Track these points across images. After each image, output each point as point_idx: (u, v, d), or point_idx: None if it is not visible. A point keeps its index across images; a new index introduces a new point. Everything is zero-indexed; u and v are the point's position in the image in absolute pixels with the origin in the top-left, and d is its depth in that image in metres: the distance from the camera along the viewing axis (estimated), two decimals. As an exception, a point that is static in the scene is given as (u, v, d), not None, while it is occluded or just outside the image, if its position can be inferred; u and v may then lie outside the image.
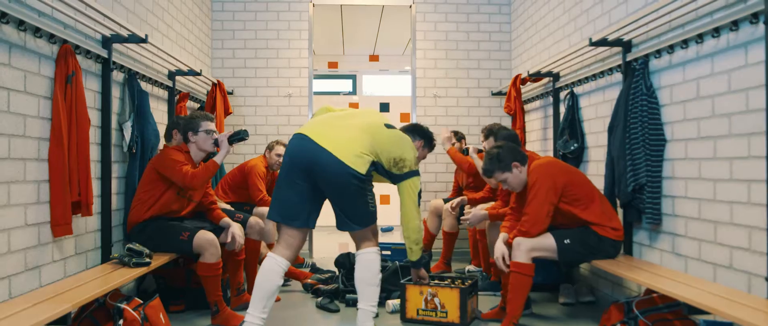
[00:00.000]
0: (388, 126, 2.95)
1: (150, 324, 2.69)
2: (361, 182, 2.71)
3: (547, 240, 2.99)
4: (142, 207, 3.22)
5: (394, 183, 2.93)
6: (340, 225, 2.82)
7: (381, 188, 8.34)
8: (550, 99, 4.46)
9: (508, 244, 3.08)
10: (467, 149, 4.51)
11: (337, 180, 2.69)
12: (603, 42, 3.34)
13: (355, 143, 2.74)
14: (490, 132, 4.05)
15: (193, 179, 3.19)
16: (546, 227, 3.00)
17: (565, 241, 2.99)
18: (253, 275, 3.76)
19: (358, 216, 2.79)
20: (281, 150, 4.54)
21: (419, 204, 2.94)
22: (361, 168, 2.70)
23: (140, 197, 3.24)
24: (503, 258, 3.08)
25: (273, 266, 2.75)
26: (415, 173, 2.91)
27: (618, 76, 3.47)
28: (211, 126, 3.37)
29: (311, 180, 2.74)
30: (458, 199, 4.49)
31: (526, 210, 3.01)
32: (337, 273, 4.11)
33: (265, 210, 4.32)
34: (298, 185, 2.75)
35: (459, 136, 4.88)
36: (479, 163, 4.29)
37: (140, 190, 3.26)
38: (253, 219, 3.77)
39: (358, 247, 2.90)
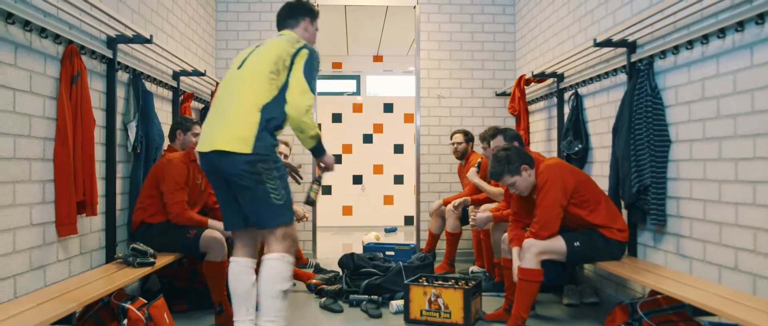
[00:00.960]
0: (239, 66, 2.62)
1: (154, 323, 2.69)
2: (250, 166, 2.40)
3: (558, 243, 2.97)
4: (145, 212, 3.23)
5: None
6: (250, 223, 2.59)
7: (383, 188, 8.37)
8: (555, 99, 4.45)
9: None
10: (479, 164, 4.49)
11: (230, 173, 2.45)
12: (607, 43, 3.33)
13: (233, 126, 2.45)
14: (497, 131, 4.01)
15: (178, 216, 3.21)
16: (557, 230, 2.98)
17: (575, 244, 2.98)
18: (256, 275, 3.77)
19: (259, 213, 2.48)
20: (282, 148, 4.56)
21: (313, 78, 2.54)
22: (245, 146, 2.40)
23: (144, 202, 3.25)
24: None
25: (237, 269, 2.62)
26: (300, 49, 2.56)
27: (622, 77, 3.46)
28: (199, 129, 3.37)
29: (228, 185, 2.56)
30: (460, 200, 4.48)
31: (537, 213, 2.99)
32: (341, 273, 4.12)
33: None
34: (223, 193, 2.61)
35: (468, 137, 4.85)
36: (484, 185, 4.26)
37: (143, 195, 3.27)
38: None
39: (265, 251, 2.56)
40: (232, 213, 2.63)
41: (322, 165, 2.78)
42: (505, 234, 3.32)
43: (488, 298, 3.86)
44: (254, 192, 2.45)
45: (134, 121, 3.40)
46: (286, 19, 2.84)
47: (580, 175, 3.11)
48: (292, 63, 2.53)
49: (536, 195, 3.05)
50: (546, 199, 2.97)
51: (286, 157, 4.59)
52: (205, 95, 4.94)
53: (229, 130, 2.45)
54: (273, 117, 2.48)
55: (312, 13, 2.86)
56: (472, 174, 4.35)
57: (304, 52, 2.57)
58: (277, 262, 2.47)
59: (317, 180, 2.84)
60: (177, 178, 3.21)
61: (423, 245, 5.47)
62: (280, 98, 2.51)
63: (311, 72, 2.55)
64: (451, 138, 4.92)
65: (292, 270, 2.51)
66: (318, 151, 2.67)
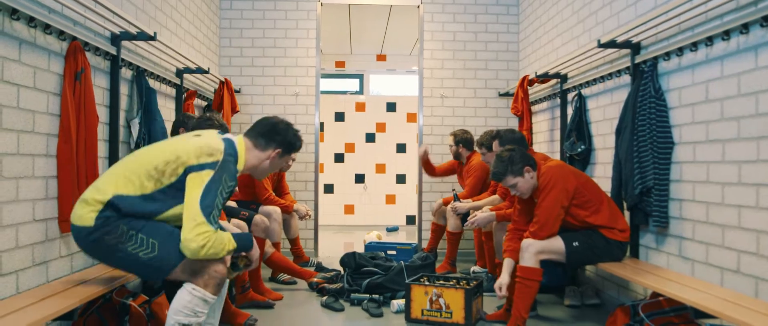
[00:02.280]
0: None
1: (156, 320, 2.70)
2: (95, 241, 2.16)
3: (557, 243, 2.98)
4: None
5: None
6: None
7: (386, 187, 8.38)
8: (558, 100, 4.44)
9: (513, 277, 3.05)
10: (455, 194, 4.54)
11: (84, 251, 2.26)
12: (611, 44, 3.32)
13: (82, 199, 2.23)
14: (497, 135, 4.00)
15: None
16: (556, 231, 2.99)
17: (574, 244, 2.98)
18: (256, 273, 3.77)
19: (143, 273, 2.28)
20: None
21: (214, 198, 2.14)
22: (84, 219, 2.15)
23: None
24: (500, 288, 3.03)
25: None
26: (205, 167, 2.17)
27: (626, 78, 3.46)
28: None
29: None
30: (460, 208, 4.49)
31: (537, 213, 2.99)
32: (342, 272, 4.12)
33: (270, 208, 4.34)
34: None
35: (457, 140, 4.81)
36: (478, 203, 4.31)
37: None
38: (258, 218, 3.78)
39: None
40: None
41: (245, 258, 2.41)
42: (507, 235, 3.32)
43: (489, 298, 3.86)
44: (117, 255, 2.19)
45: (137, 117, 3.40)
46: (258, 132, 2.43)
47: (581, 177, 3.11)
48: (183, 180, 2.18)
49: (537, 196, 3.05)
50: (547, 200, 2.97)
51: (293, 159, 4.61)
52: (208, 93, 4.95)
53: (78, 205, 2.23)
54: (125, 211, 2.17)
55: (287, 147, 2.46)
56: (461, 209, 4.40)
57: (206, 174, 2.16)
58: (182, 291, 2.23)
59: (235, 263, 2.41)
60: None
61: (424, 245, 5.47)
62: (147, 200, 2.19)
63: (214, 194, 2.15)
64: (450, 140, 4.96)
65: (201, 305, 2.22)
66: (245, 243, 2.33)
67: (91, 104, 2.76)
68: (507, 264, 3.10)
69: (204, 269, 2.21)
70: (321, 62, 5.94)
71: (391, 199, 8.40)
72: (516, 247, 3.10)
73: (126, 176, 2.20)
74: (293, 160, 4.61)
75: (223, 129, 3.30)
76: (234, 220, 3.52)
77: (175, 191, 2.20)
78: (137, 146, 3.39)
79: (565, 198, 2.98)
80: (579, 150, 3.92)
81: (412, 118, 8.35)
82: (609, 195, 3.29)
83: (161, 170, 2.19)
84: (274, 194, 4.51)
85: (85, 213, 2.16)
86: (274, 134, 2.44)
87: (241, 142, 2.38)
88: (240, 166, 2.35)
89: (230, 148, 2.29)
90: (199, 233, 2.10)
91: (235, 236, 2.26)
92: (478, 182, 4.62)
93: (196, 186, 2.15)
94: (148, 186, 2.19)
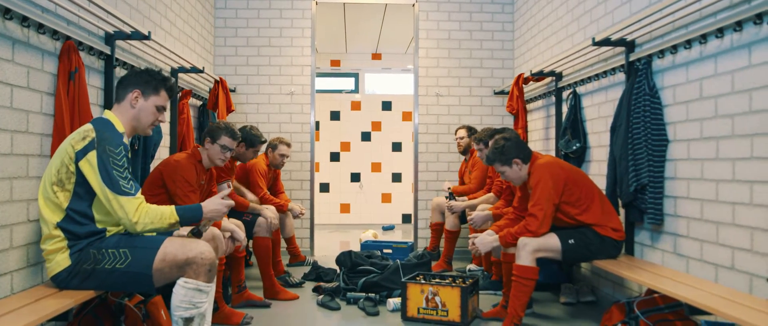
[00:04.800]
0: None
1: (151, 320, 2.70)
2: (76, 275, 2.25)
3: (552, 240, 2.99)
4: None
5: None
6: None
7: (381, 186, 8.38)
8: (553, 98, 4.45)
9: (510, 244, 3.08)
10: (450, 192, 4.59)
11: None
12: (606, 42, 3.33)
13: (43, 249, 2.29)
14: (494, 132, 4.01)
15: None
16: (549, 227, 3.02)
17: (570, 241, 2.99)
18: (266, 271, 3.76)
19: (128, 285, 2.29)
20: (285, 150, 4.58)
21: (111, 174, 2.18)
22: (61, 262, 2.25)
23: (148, 201, 3.22)
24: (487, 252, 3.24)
25: None
26: (86, 151, 2.21)
27: (621, 76, 3.46)
28: (228, 143, 3.28)
29: None
30: (457, 207, 4.51)
31: (533, 211, 3.00)
32: (338, 271, 4.12)
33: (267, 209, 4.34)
34: None
35: (471, 132, 4.93)
36: (473, 202, 4.40)
37: (146, 194, 3.21)
38: (261, 219, 3.79)
39: None
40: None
41: (205, 220, 2.46)
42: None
43: (485, 296, 3.87)
44: (101, 281, 2.27)
45: (132, 117, 3.38)
46: (117, 87, 2.45)
47: (572, 173, 3.11)
48: (79, 170, 2.21)
49: (531, 193, 3.07)
50: (541, 199, 2.99)
51: (286, 156, 4.61)
52: (203, 92, 4.94)
53: (43, 250, 2.29)
54: (81, 223, 2.25)
55: (145, 85, 2.41)
56: (457, 208, 4.46)
57: (91, 156, 2.20)
58: (176, 287, 2.29)
59: (196, 229, 2.51)
60: (189, 180, 3.18)
61: (421, 243, 5.48)
62: (77, 201, 2.24)
63: (109, 168, 2.19)
64: (456, 133, 5.00)
65: (197, 296, 2.28)
66: (191, 220, 2.36)
67: (85, 104, 2.75)
68: (491, 230, 3.28)
69: (189, 260, 2.26)
70: (316, 61, 5.93)
71: (386, 198, 8.40)
72: (508, 227, 3.21)
73: (48, 210, 2.25)
74: (287, 156, 4.61)
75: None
76: (233, 219, 3.52)
77: (84, 187, 2.23)
78: (132, 146, 3.38)
79: (556, 194, 3.01)
80: (574, 148, 3.93)
81: (407, 116, 8.35)
82: (604, 192, 3.30)
83: (59, 181, 2.24)
84: (269, 193, 4.50)
85: (57, 257, 2.25)
86: (126, 80, 2.45)
87: (107, 112, 2.42)
88: (120, 128, 2.36)
89: (99, 122, 2.32)
90: (124, 204, 2.19)
91: (178, 210, 2.30)
92: (483, 175, 4.66)
93: (90, 173, 2.20)
94: (62, 202, 2.23)
